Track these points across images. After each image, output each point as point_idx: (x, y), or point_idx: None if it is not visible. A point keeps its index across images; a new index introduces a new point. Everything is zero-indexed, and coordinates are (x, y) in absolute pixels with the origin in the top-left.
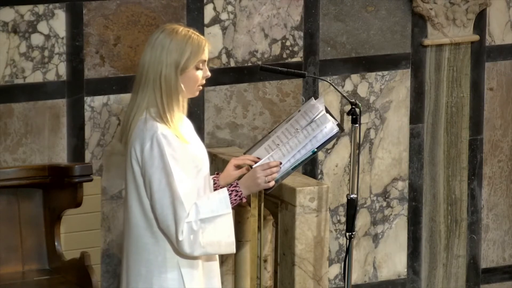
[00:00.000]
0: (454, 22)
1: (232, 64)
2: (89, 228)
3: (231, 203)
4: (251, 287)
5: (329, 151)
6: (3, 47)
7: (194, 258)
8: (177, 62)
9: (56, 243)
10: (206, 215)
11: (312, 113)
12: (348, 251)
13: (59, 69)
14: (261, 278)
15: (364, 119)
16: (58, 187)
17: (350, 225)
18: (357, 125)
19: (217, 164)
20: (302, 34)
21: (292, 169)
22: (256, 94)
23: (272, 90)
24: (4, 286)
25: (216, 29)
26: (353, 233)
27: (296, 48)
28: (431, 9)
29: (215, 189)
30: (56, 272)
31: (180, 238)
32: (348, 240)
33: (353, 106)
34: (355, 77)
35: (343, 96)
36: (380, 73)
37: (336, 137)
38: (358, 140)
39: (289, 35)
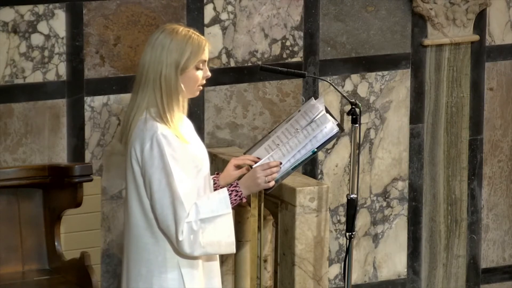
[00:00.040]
0: (454, 22)
1: (232, 64)
2: (89, 228)
3: (231, 203)
4: (251, 287)
5: (329, 151)
6: (3, 47)
7: (194, 258)
8: (177, 62)
9: (56, 243)
10: (206, 215)
11: (312, 113)
12: (348, 251)
13: (59, 69)
14: (261, 278)
15: (364, 119)
16: (58, 187)
17: (350, 225)
18: (357, 125)
19: (217, 164)
20: (302, 34)
21: (292, 169)
22: (256, 94)
23: (272, 90)
24: (4, 286)
25: (216, 29)
26: (353, 233)
27: (296, 48)
28: (431, 9)
29: (215, 189)
30: (56, 272)
31: (180, 238)
32: (348, 240)
33: (353, 106)
34: (355, 77)
35: (343, 96)
36: (380, 73)
37: (336, 137)
38: (358, 140)
39: (289, 35)
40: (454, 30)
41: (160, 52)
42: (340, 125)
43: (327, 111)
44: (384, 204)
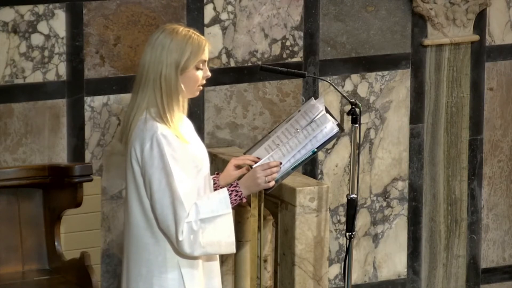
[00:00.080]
0: (454, 22)
1: (232, 64)
2: (89, 228)
3: (231, 203)
4: (251, 287)
5: (329, 151)
6: (3, 47)
7: (194, 258)
8: (177, 62)
9: (56, 243)
10: (206, 215)
11: (312, 113)
12: (348, 251)
13: (59, 69)
14: (261, 278)
15: (364, 119)
16: (58, 187)
17: (350, 225)
18: (357, 125)
19: (217, 164)
20: (302, 34)
21: (292, 169)
22: (256, 94)
23: (272, 90)
24: (4, 286)
25: (216, 29)
26: (353, 233)
27: (296, 48)
28: (431, 9)
29: (215, 189)
30: (56, 272)
31: (180, 238)
32: (348, 240)
33: (353, 106)
34: (355, 77)
35: (343, 96)
36: (380, 73)
37: (336, 137)
38: (358, 140)
39: (289, 35)
40: (454, 30)
41: (160, 52)
42: (340, 125)
43: (327, 111)
44: (384, 204)
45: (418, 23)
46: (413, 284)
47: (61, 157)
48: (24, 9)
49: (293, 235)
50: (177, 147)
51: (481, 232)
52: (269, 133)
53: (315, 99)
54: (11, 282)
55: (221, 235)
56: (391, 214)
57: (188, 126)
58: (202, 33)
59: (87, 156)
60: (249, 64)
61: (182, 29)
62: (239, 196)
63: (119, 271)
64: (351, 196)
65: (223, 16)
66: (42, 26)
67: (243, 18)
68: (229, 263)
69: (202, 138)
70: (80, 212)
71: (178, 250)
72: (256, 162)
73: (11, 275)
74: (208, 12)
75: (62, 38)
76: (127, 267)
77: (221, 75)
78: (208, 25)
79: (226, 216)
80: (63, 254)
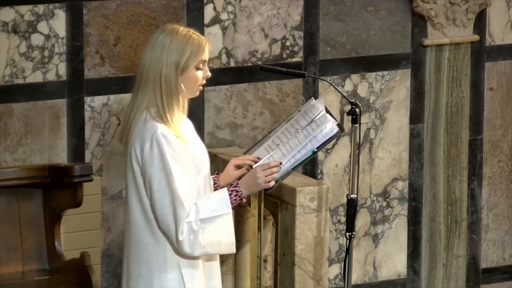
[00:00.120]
0: (454, 22)
1: (232, 64)
2: (89, 228)
3: (231, 203)
4: (251, 287)
5: (329, 151)
6: (3, 47)
7: (194, 258)
8: (177, 62)
9: (56, 243)
10: (206, 215)
11: (312, 113)
12: (348, 251)
13: (59, 69)
14: (261, 278)
15: (364, 119)
16: (58, 187)
17: (350, 225)
18: (357, 125)
19: (217, 164)
20: (302, 34)
21: (292, 169)
22: (256, 94)
23: (272, 90)
24: (4, 286)
25: (216, 29)
26: (353, 233)
27: (296, 48)
28: (431, 9)
29: (215, 189)
30: (56, 272)
31: (180, 238)
32: (348, 240)
33: (353, 106)
34: (355, 77)
35: (343, 96)
36: (380, 73)
37: (336, 137)
38: (358, 140)
39: (289, 35)
40: (454, 30)
41: (160, 52)
42: (340, 125)
43: (327, 111)
44: (384, 204)
45: (418, 23)
46: (413, 284)
47: (61, 157)
48: (24, 9)
49: (293, 235)
50: (177, 147)
51: (481, 232)
52: (269, 133)
53: (315, 99)
54: (11, 282)
55: (221, 235)
56: (391, 214)
57: (188, 126)
58: (202, 33)
59: (87, 156)
60: (249, 64)
61: (182, 29)
62: (239, 196)
63: (119, 271)
64: (351, 196)
65: (223, 16)
66: (42, 26)
67: (243, 18)
68: (229, 263)
69: (202, 138)
70: (80, 212)
71: (178, 250)
72: (256, 162)
73: (11, 275)
74: (208, 12)
75: (62, 38)
76: (127, 267)
77: (221, 75)
78: (208, 25)
79: (226, 216)
80: (63, 254)
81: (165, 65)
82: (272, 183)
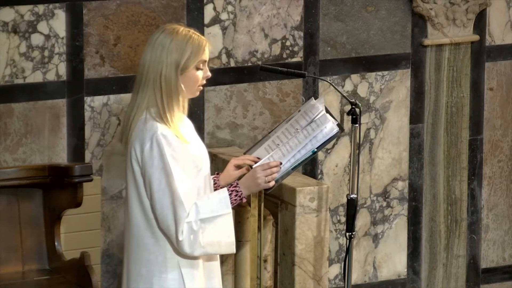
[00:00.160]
0: (454, 22)
1: (232, 64)
2: (89, 228)
3: (231, 203)
4: (251, 287)
5: (329, 151)
6: (3, 47)
7: (194, 258)
8: (177, 62)
9: (56, 243)
10: (206, 215)
11: (312, 113)
12: (348, 251)
13: (59, 69)
14: (261, 278)
15: (364, 119)
16: (58, 187)
17: (350, 225)
18: (357, 125)
19: (217, 164)
20: (302, 34)
21: (292, 169)
22: (256, 94)
23: (272, 90)
24: (4, 286)
25: (216, 29)
26: (353, 233)
27: (296, 48)
28: (431, 9)
29: (215, 189)
30: (56, 272)
31: (180, 238)
32: (348, 240)
33: (353, 106)
34: (355, 77)
35: (343, 96)
36: (380, 73)
37: (336, 137)
38: (358, 140)
39: (289, 35)
40: (454, 30)
41: (160, 52)
42: (340, 125)
43: (327, 111)
44: (384, 204)
45: (418, 23)
46: (413, 284)
47: (61, 157)
48: (24, 9)
49: (293, 235)
50: (177, 147)
51: (481, 232)
52: (269, 133)
53: (315, 99)
54: (11, 282)
55: (221, 235)
56: (391, 214)
57: (188, 126)
58: (202, 33)
59: (87, 156)
60: (249, 64)
61: (182, 29)
62: (239, 196)
63: (119, 271)
64: (351, 196)
65: (223, 16)
66: (42, 26)
67: (243, 18)
68: (229, 263)
69: (202, 138)
70: (80, 212)
71: (178, 250)
72: (256, 162)
73: (11, 275)
74: (208, 12)
75: (62, 38)
76: (127, 267)
77: (221, 75)
78: (208, 25)
79: (226, 216)
80: (63, 254)
81: (165, 65)
82: (272, 183)
